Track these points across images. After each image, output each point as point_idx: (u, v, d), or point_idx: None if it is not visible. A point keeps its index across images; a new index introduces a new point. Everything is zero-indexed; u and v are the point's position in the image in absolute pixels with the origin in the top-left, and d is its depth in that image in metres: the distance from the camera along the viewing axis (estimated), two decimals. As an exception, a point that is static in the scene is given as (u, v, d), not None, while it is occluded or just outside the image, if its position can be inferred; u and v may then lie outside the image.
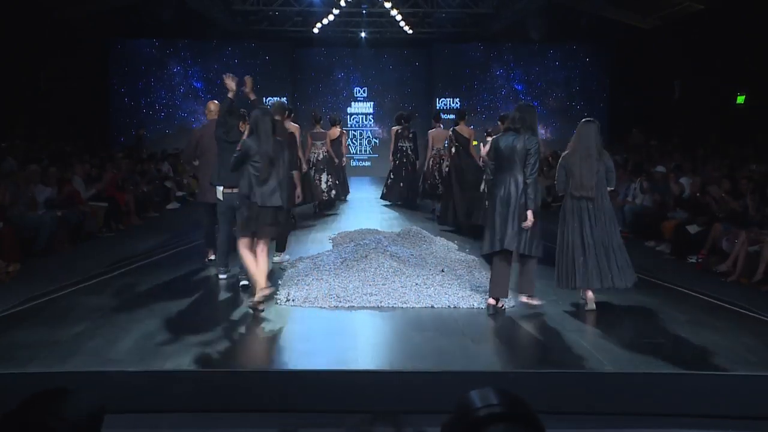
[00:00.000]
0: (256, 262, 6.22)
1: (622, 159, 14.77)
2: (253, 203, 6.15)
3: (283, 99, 19.89)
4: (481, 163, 10.15)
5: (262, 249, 6.31)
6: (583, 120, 6.54)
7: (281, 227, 6.98)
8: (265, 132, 6.23)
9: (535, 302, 6.38)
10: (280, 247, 8.35)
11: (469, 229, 10.18)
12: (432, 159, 12.55)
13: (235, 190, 6.62)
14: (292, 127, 9.59)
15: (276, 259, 8.16)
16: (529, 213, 6.03)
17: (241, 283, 7.01)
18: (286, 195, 6.43)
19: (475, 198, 10.04)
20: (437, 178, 12.29)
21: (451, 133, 11.45)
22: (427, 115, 20.20)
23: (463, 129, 11.30)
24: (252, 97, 7.28)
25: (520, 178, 6.02)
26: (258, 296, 6.08)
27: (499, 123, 9.87)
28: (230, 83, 7.09)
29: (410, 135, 13.62)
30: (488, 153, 7.03)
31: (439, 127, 12.91)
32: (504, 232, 6.04)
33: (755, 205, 8.68)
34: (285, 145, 6.61)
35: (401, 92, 20.86)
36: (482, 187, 9.06)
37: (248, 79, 7.28)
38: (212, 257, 8.09)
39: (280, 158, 6.31)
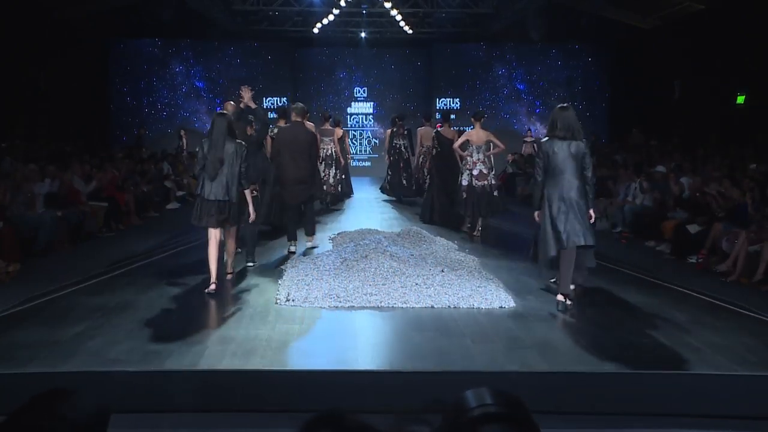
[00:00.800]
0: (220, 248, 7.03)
1: (622, 159, 14.79)
2: (201, 197, 6.89)
3: (284, 99, 20.02)
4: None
5: (228, 236, 7.27)
6: (559, 105, 6.70)
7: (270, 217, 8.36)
8: (218, 134, 6.89)
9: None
10: (309, 232, 9.19)
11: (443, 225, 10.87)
12: (422, 156, 13.24)
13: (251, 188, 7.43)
14: (310, 126, 10.02)
15: (308, 244, 9.09)
16: (591, 210, 6.52)
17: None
18: (236, 190, 6.92)
19: (453, 196, 10.69)
20: (425, 174, 12.95)
21: (434, 134, 11.93)
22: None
23: (446, 131, 11.60)
24: (252, 105, 8.00)
25: (575, 180, 6.30)
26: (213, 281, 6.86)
27: (473, 119, 10.56)
28: (245, 94, 7.96)
29: (404, 132, 14.44)
30: (536, 155, 7.12)
31: (428, 125, 13.57)
32: (570, 230, 6.25)
33: (755, 205, 8.68)
34: (241, 146, 7.04)
35: (401, 92, 20.87)
36: (460, 180, 10.27)
37: (246, 89, 8.03)
38: None
39: (232, 157, 6.85)
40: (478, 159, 10.11)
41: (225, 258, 7.43)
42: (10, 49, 13.64)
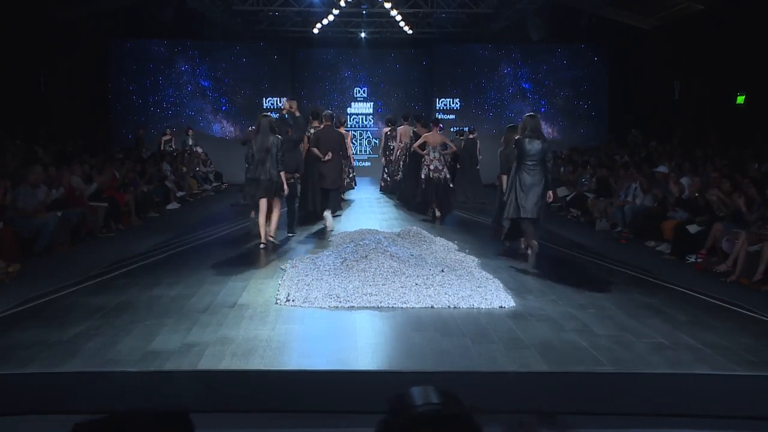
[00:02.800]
0: (268, 216, 9.29)
1: (622, 159, 14.79)
2: (252, 178, 9.22)
3: (283, 99, 20.01)
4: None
5: (274, 206, 9.38)
6: (528, 114, 9.02)
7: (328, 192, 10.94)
8: (263, 130, 9.25)
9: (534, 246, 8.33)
10: (333, 209, 11.38)
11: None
12: (400, 151, 14.68)
13: (296, 175, 10.30)
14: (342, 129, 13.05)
15: (328, 222, 10.85)
16: (550, 192, 8.56)
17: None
18: (276, 171, 9.21)
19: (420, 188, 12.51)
20: (400, 167, 14.68)
21: (411, 133, 13.64)
22: (425, 115, 20.24)
23: (420, 130, 13.42)
24: (296, 114, 11.02)
25: (538, 168, 8.37)
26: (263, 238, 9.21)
27: (417, 124, 13.59)
28: (286, 104, 11.19)
29: (395, 135, 15.26)
30: (504, 151, 9.78)
31: (407, 124, 14.77)
32: (527, 206, 8.27)
33: (755, 206, 8.67)
34: (278, 139, 9.25)
35: (401, 92, 20.87)
36: (419, 173, 12.36)
37: (290, 101, 11.21)
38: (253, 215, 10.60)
39: (274, 148, 9.14)
40: (434, 157, 12.25)
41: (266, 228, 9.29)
42: (10, 49, 13.64)
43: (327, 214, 10.96)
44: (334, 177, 11.20)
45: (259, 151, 9.15)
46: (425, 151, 12.33)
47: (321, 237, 10.35)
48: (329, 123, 11.45)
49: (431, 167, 12.20)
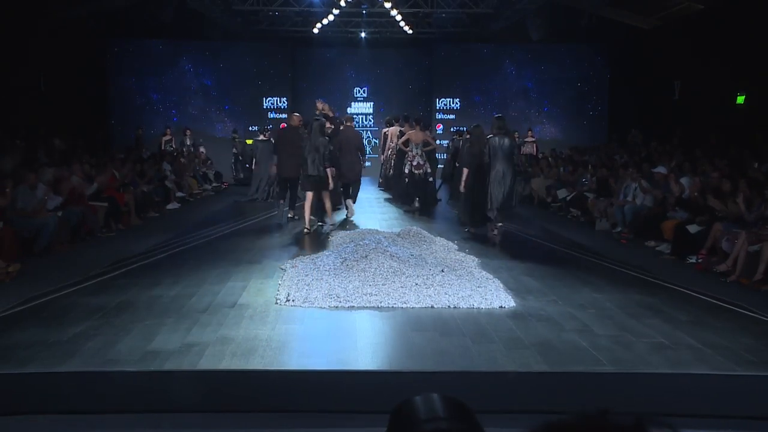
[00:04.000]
0: (321, 205, 10.96)
1: (622, 159, 14.79)
2: (304, 174, 10.71)
3: (284, 99, 20.07)
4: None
5: (324, 198, 10.90)
6: (495, 116, 10.62)
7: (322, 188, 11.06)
8: (314, 132, 10.65)
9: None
10: (354, 199, 12.73)
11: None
12: (390, 150, 15.34)
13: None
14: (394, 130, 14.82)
15: (350, 210, 12.26)
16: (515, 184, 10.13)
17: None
18: (323, 168, 10.57)
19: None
20: (391, 166, 15.35)
21: (398, 133, 14.42)
22: (425, 115, 20.23)
23: (406, 129, 14.16)
24: (330, 114, 12.50)
25: (506, 163, 9.89)
26: (328, 220, 11.07)
27: (405, 124, 14.39)
28: (319, 105, 12.69)
29: (398, 134, 15.47)
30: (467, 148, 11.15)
31: (397, 125, 15.38)
32: (495, 198, 9.85)
33: (755, 206, 8.67)
34: (326, 139, 10.74)
35: (401, 92, 20.86)
36: (402, 168, 13.51)
37: (321, 102, 12.82)
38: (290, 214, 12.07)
39: (321, 147, 10.50)
40: (416, 153, 13.19)
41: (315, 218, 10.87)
42: (10, 49, 13.64)
43: (349, 202, 12.46)
44: (356, 171, 12.76)
45: (310, 150, 10.45)
46: (408, 148, 13.32)
47: (345, 225, 11.49)
48: (349, 124, 13.13)
49: (414, 163, 13.12)
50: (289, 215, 11.95)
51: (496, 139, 9.80)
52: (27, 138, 13.78)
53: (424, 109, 20.55)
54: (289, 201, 12.12)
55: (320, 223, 11.03)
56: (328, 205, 10.99)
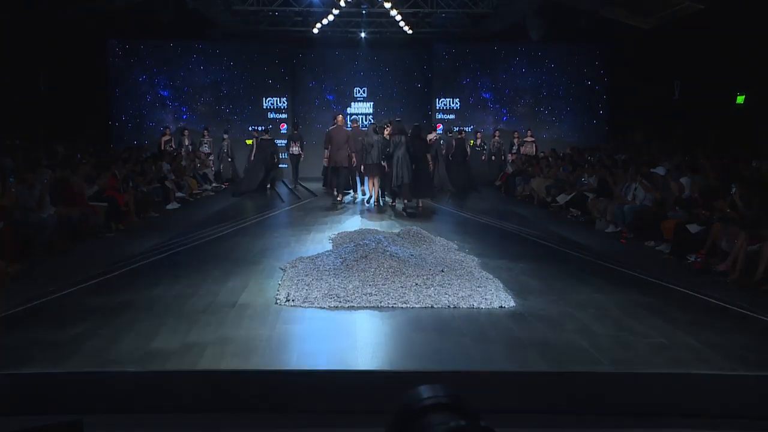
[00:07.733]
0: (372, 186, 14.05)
1: (622, 159, 14.79)
2: (365, 163, 13.89)
3: (284, 99, 20.06)
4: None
5: (375, 182, 13.94)
6: (395, 119, 13.98)
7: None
8: (369, 132, 13.91)
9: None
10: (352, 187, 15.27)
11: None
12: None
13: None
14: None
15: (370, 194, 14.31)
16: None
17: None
18: (378, 159, 13.69)
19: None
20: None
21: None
22: (426, 115, 20.23)
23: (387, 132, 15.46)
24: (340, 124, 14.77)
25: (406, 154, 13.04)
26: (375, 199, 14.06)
27: (388, 124, 15.17)
28: (339, 118, 14.89)
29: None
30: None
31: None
32: (403, 176, 13.00)
33: (755, 208, 8.66)
34: (381, 137, 13.88)
35: (401, 92, 20.86)
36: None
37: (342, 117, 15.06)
38: (339, 198, 14.45)
39: (375, 144, 13.60)
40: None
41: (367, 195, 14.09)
42: (10, 49, 13.64)
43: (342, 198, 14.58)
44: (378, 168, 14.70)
45: (367, 146, 13.63)
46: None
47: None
48: (357, 125, 16.28)
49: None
50: (338, 198, 14.27)
51: (395, 137, 13.22)
52: (26, 138, 13.78)
53: (424, 109, 20.56)
54: (338, 187, 14.45)
55: (354, 195, 14.42)
56: (377, 187, 13.91)
